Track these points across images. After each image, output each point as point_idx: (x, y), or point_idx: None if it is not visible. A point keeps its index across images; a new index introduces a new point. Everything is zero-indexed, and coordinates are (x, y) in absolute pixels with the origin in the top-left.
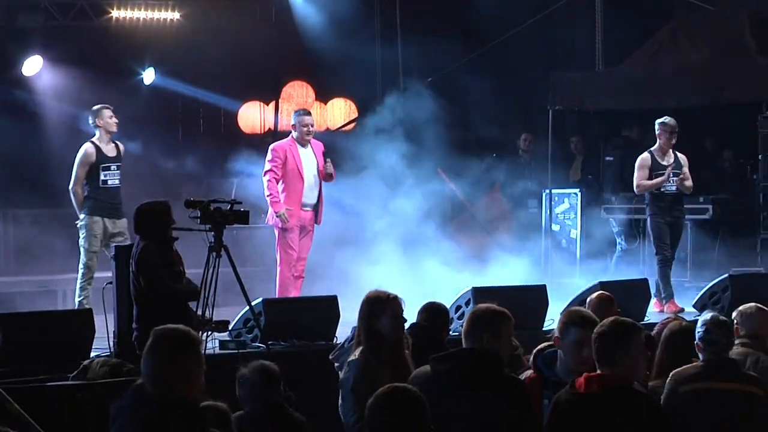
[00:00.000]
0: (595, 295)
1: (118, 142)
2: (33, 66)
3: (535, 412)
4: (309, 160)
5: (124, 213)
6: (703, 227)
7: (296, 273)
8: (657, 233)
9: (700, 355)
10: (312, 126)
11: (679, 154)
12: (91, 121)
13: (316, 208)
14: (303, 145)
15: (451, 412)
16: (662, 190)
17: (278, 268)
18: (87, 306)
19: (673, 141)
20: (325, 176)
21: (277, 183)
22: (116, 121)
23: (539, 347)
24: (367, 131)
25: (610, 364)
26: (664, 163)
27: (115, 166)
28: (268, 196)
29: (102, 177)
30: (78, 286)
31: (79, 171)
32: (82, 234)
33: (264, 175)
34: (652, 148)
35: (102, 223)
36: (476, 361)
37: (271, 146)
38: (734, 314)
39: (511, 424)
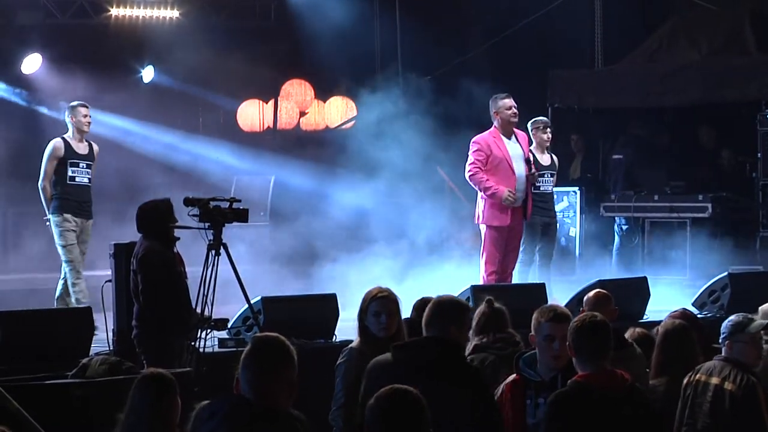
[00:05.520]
0: (592, 293)
1: (92, 142)
2: (32, 64)
3: (494, 401)
4: (516, 151)
5: (92, 214)
6: (702, 225)
7: (504, 274)
8: None
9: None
10: (516, 108)
11: (553, 155)
12: (66, 117)
13: (525, 202)
14: (507, 136)
15: None
16: (539, 189)
17: (483, 267)
18: (84, 302)
19: (546, 140)
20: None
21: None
22: (89, 121)
23: (521, 351)
24: (366, 130)
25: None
26: (543, 163)
27: (84, 164)
28: (482, 188)
29: (70, 173)
30: (70, 283)
31: (47, 166)
32: (55, 232)
33: (468, 172)
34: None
35: (72, 220)
36: (440, 349)
37: (473, 139)
38: (759, 312)
39: (471, 413)
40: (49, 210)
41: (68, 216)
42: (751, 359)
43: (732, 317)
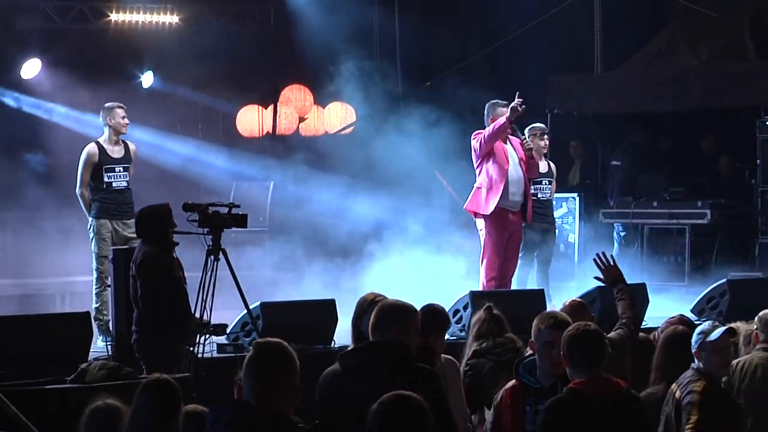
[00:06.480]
0: (567, 301)
1: (128, 142)
2: (31, 69)
3: (447, 403)
4: (512, 154)
5: (134, 214)
6: (701, 232)
7: (504, 280)
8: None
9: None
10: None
11: (550, 162)
12: (101, 119)
13: (524, 206)
14: (503, 141)
15: (363, 406)
16: (537, 197)
17: (482, 273)
18: (105, 314)
19: (543, 147)
20: (528, 163)
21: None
22: (127, 122)
23: (521, 357)
24: (366, 135)
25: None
26: (540, 170)
27: (120, 168)
28: (490, 131)
29: (105, 179)
30: (94, 293)
31: (83, 173)
32: (92, 238)
33: (476, 143)
34: None
35: (110, 225)
36: (388, 352)
37: (475, 132)
38: (755, 320)
39: None
40: (88, 215)
41: (105, 222)
42: (716, 368)
43: (699, 327)
